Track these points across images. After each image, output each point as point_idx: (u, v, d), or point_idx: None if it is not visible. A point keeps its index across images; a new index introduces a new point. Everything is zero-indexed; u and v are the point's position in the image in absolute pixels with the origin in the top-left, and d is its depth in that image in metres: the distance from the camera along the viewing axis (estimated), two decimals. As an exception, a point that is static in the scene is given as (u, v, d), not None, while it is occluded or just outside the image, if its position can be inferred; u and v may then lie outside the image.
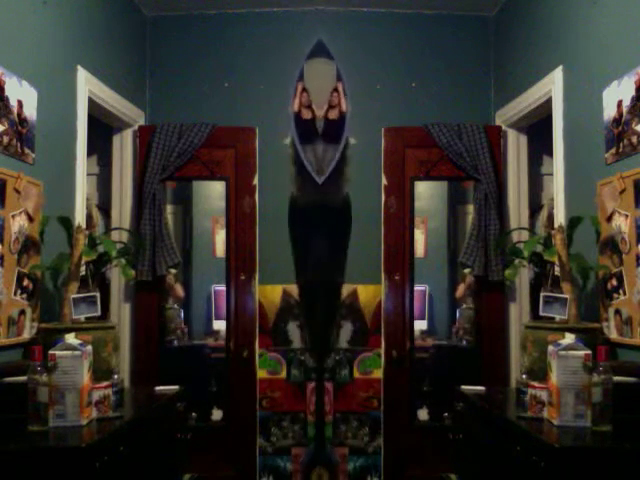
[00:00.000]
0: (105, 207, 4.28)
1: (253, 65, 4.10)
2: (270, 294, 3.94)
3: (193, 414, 3.70)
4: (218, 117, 3.92)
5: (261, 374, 3.87)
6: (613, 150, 2.70)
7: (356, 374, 3.91)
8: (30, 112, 2.72)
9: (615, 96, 2.68)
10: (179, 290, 4.21)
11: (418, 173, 3.86)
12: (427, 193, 4.36)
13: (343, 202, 3.98)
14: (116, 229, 3.78)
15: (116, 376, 2.33)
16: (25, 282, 2.69)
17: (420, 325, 4.14)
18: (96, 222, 4.35)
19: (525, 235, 3.71)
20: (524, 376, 2.35)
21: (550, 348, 2.16)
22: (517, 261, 3.04)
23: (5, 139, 2.53)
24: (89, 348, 2.17)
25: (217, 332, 4.20)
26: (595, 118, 2.85)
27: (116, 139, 3.96)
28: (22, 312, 2.67)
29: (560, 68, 3.22)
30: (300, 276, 3.96)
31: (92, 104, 3.39)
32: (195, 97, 4.10)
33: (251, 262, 3.85)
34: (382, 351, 3.83)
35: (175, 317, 4.11)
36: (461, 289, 4.17)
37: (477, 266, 3.71)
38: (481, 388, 2.77)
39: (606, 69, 2.77)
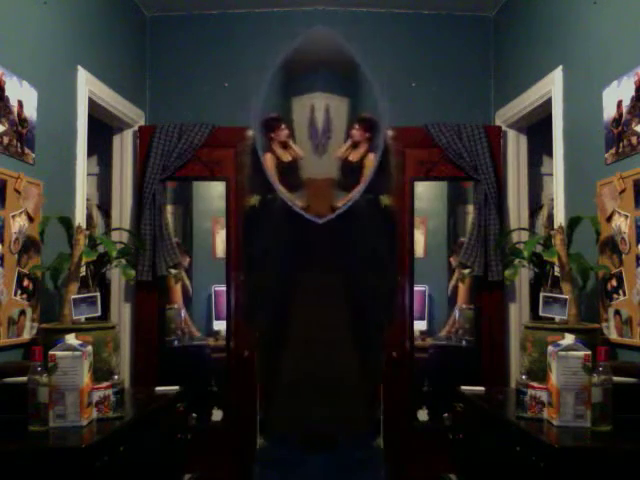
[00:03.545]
0: (105, 207, 4.29)
1: (253, 65, 4.10)
2: (270, 294, 3.93)
3: (193, 414, 3.70)
4: (218, 117, 3.91)
5: (261, 374, 3.86)
6: (613, 150, 2.70)
7: (356, 374, 3.90)
8: (30, 112, 2.72)
9: (615, 96, 2.68)
10: (178, 292, 4.18)
11: (418, 173, 3.85)
12: (427, 193, 4.35)
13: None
14: (116, 229, 3.78)
15: (116, 376, 2.33)
16: (25, 282, 2.69)
17: (420, 325, 4.13)
18: (96, 222, 4.35)
19: (525, 235, 3.71)
20: (524, 376, 2.35)
21: (550, 348, 2.16)
22: (517, 261, 3.03)
23: (5, 139, 2.53)
24: (89, 348, 2.17)
25: (217, 332, 4.19)
26: (595, 118, 2.85)
27: (116, 139, 3.96)
28: (22, 312, 2.67)
29: (560, 68, 3.22)
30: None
31: (92, 104, 3.39)
32: (195, 97, 4.10)
33: (251, 262, 3.84)
34: (382, 351, 3.83)
35: (175, 317, 4.11)
36: (461, 291, 4.15)
37: (477, 266, 3.71)
38: (481, 388, 2.77)
39: (606, 69, 2.77)
